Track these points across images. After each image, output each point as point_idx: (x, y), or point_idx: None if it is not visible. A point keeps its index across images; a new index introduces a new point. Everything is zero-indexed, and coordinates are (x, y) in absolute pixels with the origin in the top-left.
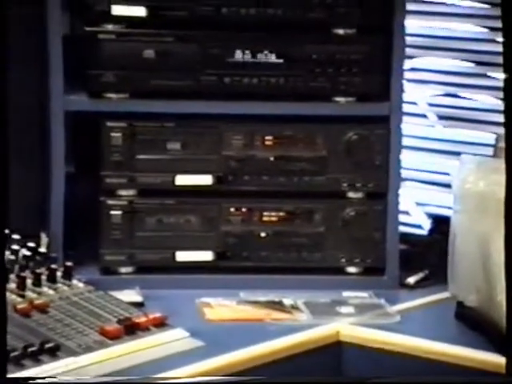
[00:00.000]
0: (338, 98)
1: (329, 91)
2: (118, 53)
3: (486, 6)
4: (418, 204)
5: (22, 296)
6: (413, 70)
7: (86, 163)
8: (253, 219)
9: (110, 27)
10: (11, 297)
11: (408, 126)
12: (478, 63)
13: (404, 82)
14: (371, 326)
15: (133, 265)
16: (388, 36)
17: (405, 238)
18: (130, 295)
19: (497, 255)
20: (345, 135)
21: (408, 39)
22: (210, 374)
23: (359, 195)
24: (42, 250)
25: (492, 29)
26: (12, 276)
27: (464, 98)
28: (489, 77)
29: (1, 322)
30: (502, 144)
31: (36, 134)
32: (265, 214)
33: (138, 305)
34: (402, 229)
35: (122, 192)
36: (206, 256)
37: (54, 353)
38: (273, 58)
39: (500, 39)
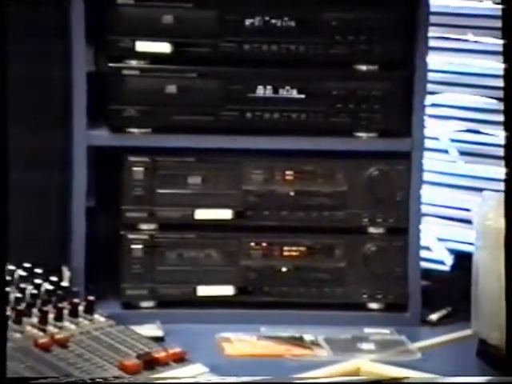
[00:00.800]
0: (359, 134)
1: (350, 127)
2: (140, 88)
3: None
4: (440, 240)
5: (44, 330)
6: (434, 105)
7: (107, 197)
8: (273, 254)
9: (133, 63)
10: (33, 331)
11: (429, 161)
12: (500, 99)
13: (426, 117)
14: (392, 363)
15: (154, 299)
16: (410, 72)
17: (427, 274)
18: (151, 329)
19: None
20: (366, 171)
21: (430, 75)
22: None
23: (380, 230)
24: (65, 284)
25: None
26: (34, 310)
27: (486, 133)
28: None
29: (1, 322)
30: None
31: (58, 168)
32: (285, 248)
33: (159, 339)
34: (424, 265)
35: (143, 226)
36: (227, 290)
37: None
38: (294, 94)
39: None
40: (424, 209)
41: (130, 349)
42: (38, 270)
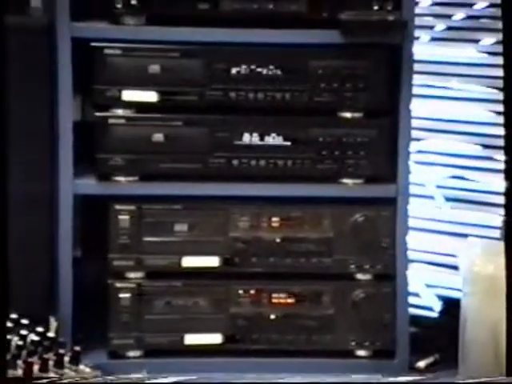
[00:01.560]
0: (345, 180)
1: (336, 173)
2: (127, 137)
3: (492, 90)
4: (428, 286)
5: (29, 382)
6: (420, 152)
7: (93, 246)
8: (262, 301)
9: (120, 112)
10: None
11: (416, 207)
12: (485, 146)
13: (411, 164)
14: None
15: (141, 348)
16: (394, 119)
17: (415, 320)
18: None
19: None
20: (351, 217)
21: (414, 122)
22: None
23: (367, 277)
24: (51, 334)
25: (498, 113)
26: (19, 362)
27: (471, 180)
28: (495, 160)
29: (1, 323)
30: None
31: (44, 217)
32: (274, 295)
33: None
34: (413, 311)
35: (130, 274)
36: (215, 339)
37: None
38: (280, 141)
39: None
40: (411, 255)
41: None
42: (24, 321)
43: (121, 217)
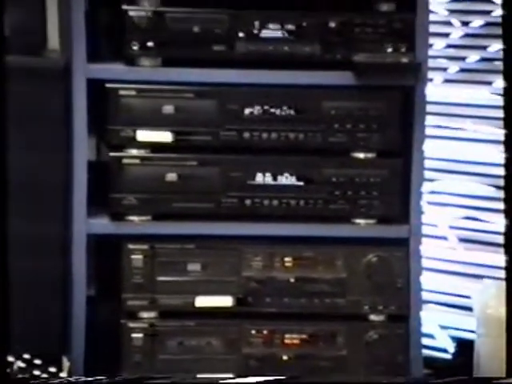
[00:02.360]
0: (357, 220)
1: (348, 213)
2: (140, 176)
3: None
4: (442, 327)
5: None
6: (433, 192)
7: (107, 285)
8: (274, 341)
9: (134, 152)
10: None
11: (429, 247)
12: (498, 187)
13: (424, 204)
14: None
15: None
16: (407, 159)
17: (429, 361)
18: None
19: None
20: (365, 257)
21: (427, 162)
22: None
23: (381, 318)
24: (63, 374)
25: None
26: None
27: (484, 221)
28: None
29: (1, 323)
30: None
31: (58, 256)
32: (287, 336)
33: None
34: (426, 352)
35: (143, 314)
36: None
37: None
38: (293, 181)
39: None
40: (425, 296)
41: None
42: (37, 361)
43: (134, 256)
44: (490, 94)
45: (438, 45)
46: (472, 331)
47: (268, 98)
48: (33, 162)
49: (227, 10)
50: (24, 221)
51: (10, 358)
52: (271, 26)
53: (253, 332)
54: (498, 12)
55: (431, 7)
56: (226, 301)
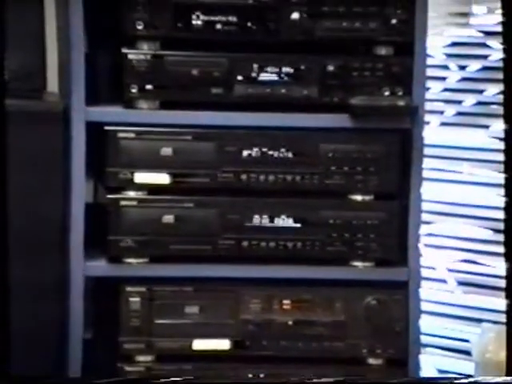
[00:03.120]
0: (355, 263)
1: (346, 256)
2: (138, 219)
3: (503, 175)
4: (440, 371)
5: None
6: (430, 235)
7: (104, 328)
8: None
9: (131, 194)
10: None
11: (428, 291)
12: (496, 231)
13: (422, 247)
14: None
15: None
16: (405, 202)
17: None
18: None
19: None
20: (363, 300)
21: (425, 205)
22: None
23: (379, 362)
24: None
25: None
26: None
27: (483, 264)
28: None
29: (1, 324)
30: None
31: (55, 299)
32: (284, 380)
33: None
34: None
35: (140, 358)
36: None
37: None
38: (290, 223)
39: None
40: (423, 339)
41: None
42: None
43: (131, 299)
44: (486, 137)
45: (435, 88)
46: (471, 376)
47: (265, 141)
48: (30, 204)
49: (226, 54)
50: (21, 264)
51: None
52: (269, 69)
53: (250, 376)
54: (495, 56)
55: (429, 51)
56: (223, 344)
